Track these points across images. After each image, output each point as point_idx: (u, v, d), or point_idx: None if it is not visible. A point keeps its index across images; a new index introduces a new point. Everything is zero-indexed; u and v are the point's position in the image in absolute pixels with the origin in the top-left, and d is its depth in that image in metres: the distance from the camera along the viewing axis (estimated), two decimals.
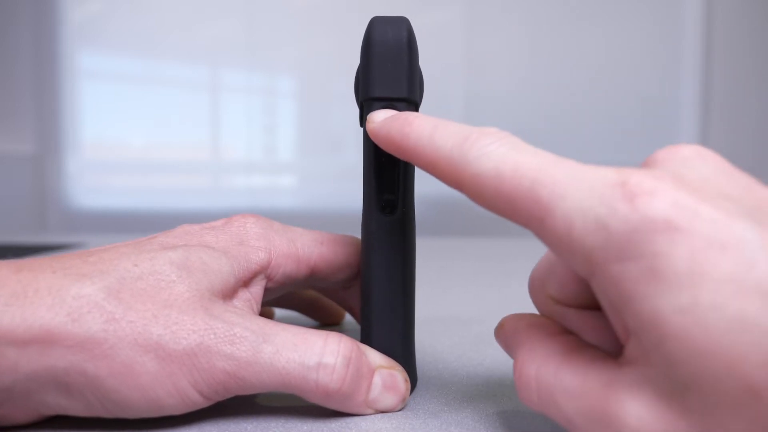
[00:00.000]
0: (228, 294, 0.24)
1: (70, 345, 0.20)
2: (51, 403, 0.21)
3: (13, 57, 1.25)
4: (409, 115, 0.22)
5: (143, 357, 0.21)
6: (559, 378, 0.19)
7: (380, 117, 0.23)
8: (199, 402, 0.22)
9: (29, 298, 0.20)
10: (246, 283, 0.25)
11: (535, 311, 0.23)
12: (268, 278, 0.26)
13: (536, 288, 0.22)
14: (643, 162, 0.20)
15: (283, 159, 1.38)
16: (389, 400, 0.23)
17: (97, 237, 0.95)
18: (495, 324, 0.24)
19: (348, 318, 0.38)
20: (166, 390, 0.21)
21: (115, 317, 0.21)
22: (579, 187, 0.17)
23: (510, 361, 0.30)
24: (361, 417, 0.23)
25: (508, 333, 0.22)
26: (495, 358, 0.31)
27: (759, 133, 1.28)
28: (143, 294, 0.22)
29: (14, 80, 1.26)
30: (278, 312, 0.38)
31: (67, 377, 0.20)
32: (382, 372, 0.23)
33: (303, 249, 0.27)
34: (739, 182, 0.18)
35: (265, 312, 0.36)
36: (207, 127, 1.32)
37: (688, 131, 1.29)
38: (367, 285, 0.25)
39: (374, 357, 0.24)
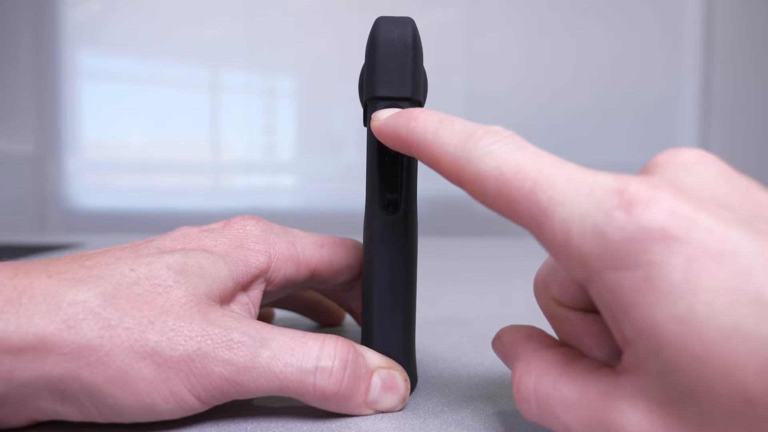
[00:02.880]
0: (226, 298, 0.24)
1: (65, 352, 0.20)
2: (45, 409, 0.21)
3: (13, 57, 1.25)
4: (414, 111, 0.22)
5: (139, 363, 0.21)
6: (557, 389, 0.19)
7: (385, 115, 0.23)
8: (196, 407, 0.22)
9: (24, 304, 0.20)
10: (245, 286, 0.25)
11: (537, 313, 0.23)
12: (268, 281, 0.26)
13: (540, 289, 0.22)
14: (644, 166, 0.20)
15: (283, 159, 1.38)
16: (389, 400, 0.23)
17: (97, 237, 0.95)
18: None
19: (348, 319, 0.38)
20: (163, 396, 0.21)
21: (111, 324, 0.21)
22: (578, 193, 0.17)
23: None
24: (361, 417, 0.23)
25: (505, 345, 0.22)
26: (495, 359, 0.31)
27: (759, 134, 1.28)
28: (139, 299, 0.21)
29: (14, 80, 1.26)
30: (278, 313, 0.38)
31: (63, 384, 0.20)
32: (381, 372, 0.23)
33: (303, 252, 0.27)
34: (739, 188, 0.18)
35: (266, 313, 0.36)
36: (207, 127, 1.32)
37: (688, 131, 1.29)
38: (369, 284, 0.25)
39: (373, 358, 0.24)
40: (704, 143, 1.28)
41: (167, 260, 0.23)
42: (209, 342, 0.21)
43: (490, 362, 0.30)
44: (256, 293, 0.25)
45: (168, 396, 0.21)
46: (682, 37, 1.27)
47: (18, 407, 0.21)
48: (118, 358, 0.20)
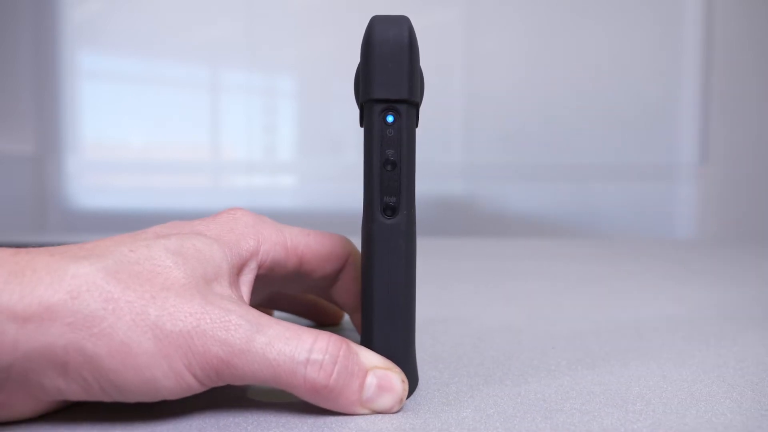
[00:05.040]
0: (221, 281, 0.24)
1: (69, 322, 0.20)
2: (48, 386, 0.21)
3: (13, 57, 1.25)
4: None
5: (141, 337, 0.21)
6: None
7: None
8: (193, 385, 0.22)
9: (28, 276, 0.20)
10: (238, 270, 0.26)
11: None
12: (259, 266, 0.27)
13: None
14: None
15: (283, 159, 1.38)
16: (385, 400, 0.23)
17: (96, 237, 0.95)
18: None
19: (347, 319, 0.38)
20: (162, 371, 0.21)
21: (113, 296, 0.21)
22: None
23: (508, 362, 0.30)
24: (361, 417, 0.23)
25: None
26: (495, 359, 0.31)
27: (759, 134, 1.28)
28: (140, 276, 0.22)
29: (14, 80, 1.26)
30: (276, 315, 0.38)
31: (66, 356, 0.20)
32: (378, 372, 0.23)
33: (291, 238, 0.28)
34: None
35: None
36: (207, 127, 1.32)
37: (688, 131, 1.29)
38: (368, 288, 0.25)
39: (369, 357, 0.24)
40: (704, 143, 1.28)
41: (165, 243, 0.23)
42: (208, 320, 0.22)
43: (490, 362, 0.30)
44: (249, 278, 0.26)
45: (167, 371, 0.21)
46: (682, 37, 1.27)
47: (21, 384, 0.21)
48: (121, 330, 0.21)
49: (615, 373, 0.28)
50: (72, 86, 1.28)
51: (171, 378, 0.21)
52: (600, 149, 1.29)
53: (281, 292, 0.33)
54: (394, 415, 0.23)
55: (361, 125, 0.25)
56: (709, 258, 0.78)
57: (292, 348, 0.22)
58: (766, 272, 0.65)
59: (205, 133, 1.32)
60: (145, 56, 1.31)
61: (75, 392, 0.21)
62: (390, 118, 0.24)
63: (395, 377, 0.24)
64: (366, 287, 0.25)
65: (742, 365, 0.30)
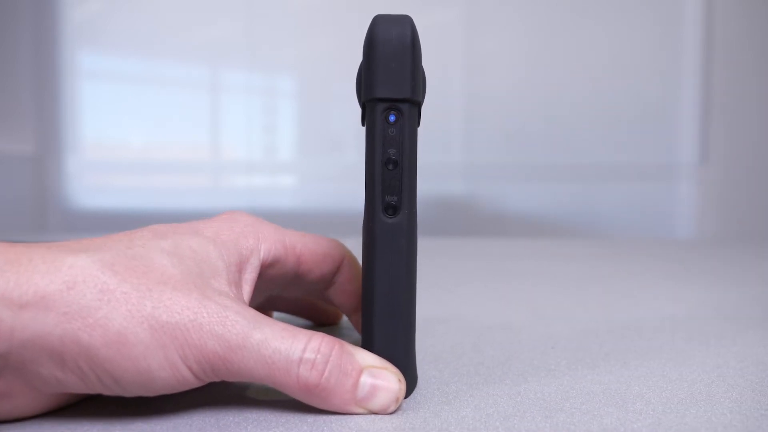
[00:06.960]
0: (219, 279, 0.24)
1: (65, 312, 0.20)
2: (47, 376, 0.21)
3: (13, 57, 1.25)
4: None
5: (136, 327, 0.21)
6: None
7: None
8: (188, 378, 0.22)
9: (24, 265, 0.20)
10: (238, 267, 0.26)
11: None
12: (261, 263, 0.27)
13: None
14: None
15: (283, 159, 1.38)
16: (381, 399, 0.23)
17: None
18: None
19: (346, 319, 0.38)
20: (158, 361, 0.21)
21: (109, 288, 0.21)
22: None
23: (508, 362, 0.30)
24: (361, 417, 0.23)
25: None
26: (495, 358, 0.31)
27: (759, 134, 1.28)
28: (137, 270, 0.22)
29: (14, 80, 1.26)
30: (276, 315, 0.38)
31: (62, 346, 0.20)
32: (373, 371, 0.23)
33: (290, 237, 0.28)
34: None
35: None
36: (207, 127, 1.32)
37: (688, 131, 1.29)
38: (369, 287, 0.25)
39: (365, 357, 0.24)
40: (704, 143, 1.28)
41: (161, 243, 0.24)
42: (205, 315, 0.22)
43: (490, 362, 0.30)
44: (251, 276, 0.26)
45: (163, 362, 0.21)
46: (682, 37, 1.27)
47: (20, 372, 0.21)
48: (116, 320, 0.21)
49: (615, 373, 0.28)
50: (72, 86, 1.28)
51: (166, 369, 0.21)
52: (600, 149, 1.29)
53: (280, 295, 0.33)
54: (394, 414, 0.23)
55: (363, 124, 0.25)
56: (709, 258, 0.78)
57: (287, 346, 0.22)
58: (766, 272, 0.65)
59: (205, 133, 1.32)
60: (145, 56, 1.31)
61: (73, 383, 0.21)
62: (392, 118, 0.24)
63: (391, 376, 0.24)
64: (367, 286, 0.25)
65: (742, 365, 0.30)
